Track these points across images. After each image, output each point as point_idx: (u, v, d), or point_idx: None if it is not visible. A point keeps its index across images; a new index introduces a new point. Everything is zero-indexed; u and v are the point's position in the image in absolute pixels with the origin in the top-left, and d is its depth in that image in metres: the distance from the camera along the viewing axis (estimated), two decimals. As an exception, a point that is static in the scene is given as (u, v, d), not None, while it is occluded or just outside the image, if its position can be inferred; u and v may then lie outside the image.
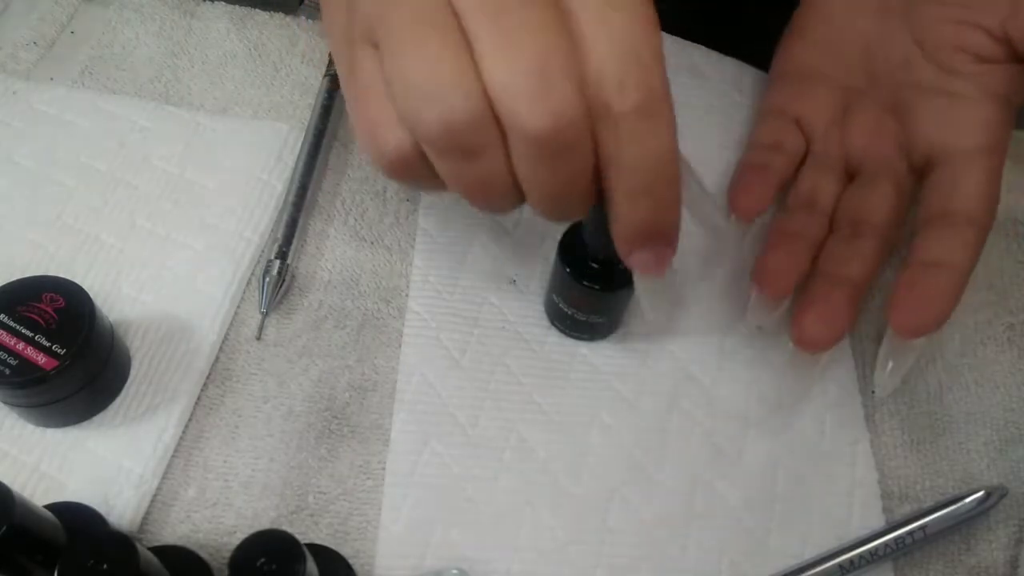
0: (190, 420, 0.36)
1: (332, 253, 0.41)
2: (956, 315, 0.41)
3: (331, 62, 0.46)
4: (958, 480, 0.37)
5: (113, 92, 0.45)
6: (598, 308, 0.37)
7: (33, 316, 0.32)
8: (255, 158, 0.43)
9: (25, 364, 0.31)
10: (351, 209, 0.43)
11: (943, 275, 0.36)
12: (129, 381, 0.36)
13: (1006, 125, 0.38)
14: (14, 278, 0.34)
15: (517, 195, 0.28)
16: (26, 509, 0.26)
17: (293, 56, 0.48)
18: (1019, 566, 0.35)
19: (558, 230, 0.36)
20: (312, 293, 0.40)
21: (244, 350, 0.38)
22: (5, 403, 0.34)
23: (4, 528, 0.25)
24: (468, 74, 0.24)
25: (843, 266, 0.38)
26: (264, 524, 0.34)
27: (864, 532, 0.35)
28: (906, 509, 0.37)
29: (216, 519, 0.34)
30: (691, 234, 0.35)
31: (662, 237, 0.28)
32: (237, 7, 0.49)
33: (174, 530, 0.33)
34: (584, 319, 0.37)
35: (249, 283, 0.40)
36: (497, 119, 0.25)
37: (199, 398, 0.37)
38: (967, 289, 0.42)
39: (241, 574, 0.26)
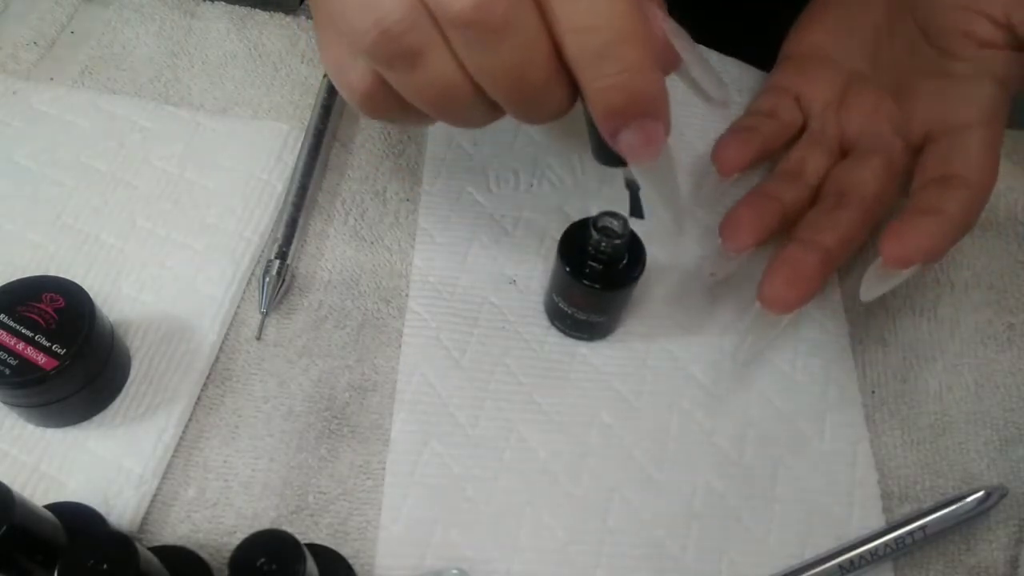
0: (190, 420, 0.36)
1: (332, 253, 0.41)
2: (956, 315, 0.42)
3: (331, 62, 0.46)
4: (958, 480, 0.37)
5: (113, 92, 0.45)
6: (598, 308, 0.37)
7: (33, 316, 0.32)
8: (255, 158, 0.43)
9: (25, 364, 0.31)
10: (351, 209, 0.43)
11: (937, 220, 0.36)
12: (129, 381, 0.36)
13: (1003, 104, 0.39)
14: (14, 278, 0.34)
15: (482, 99, 0.28)
16: (26, 509, 0.26)
17: (293, 56, 0.48)
18: (1019, 566, 0.35)
19: (558, 230, 0.36)
20: (312, 293, 0.40)
21: (244, 350, 0.38)
22: (5, 403, 0.34)
23: (4, 528, 0.25)
24: None
25: (819, 233, 0.38)
26: (264, 524, 0.34)
27: (864, 532, 0.35)
28: (906, 509, 0.37)
29: (216, 519, 0.34)
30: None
31: (641, 108, 0.27)
32: (237, 7, 0.49)
33: (174, 530, 0.33)
34: (584, 319, 0.37)
35: (249, 283, 0.40)
36: (430, 14, 0.26)
37: (199, 398, 0.36)
38: (967, 289, 0.42)
39: (241, 574, 0.26)
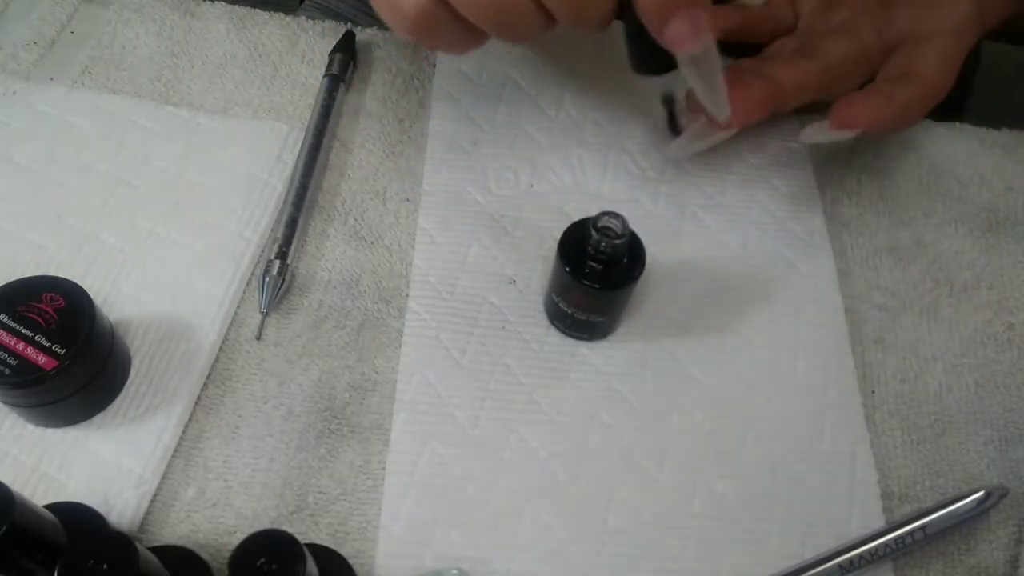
0: (190, 420, 0.36)
1: (332, 253, 0.41)
2: (956, 315, 0.42)
3: (331, 62, 0.46)
4: (958, 480, 0.37)
5: (113, 92, 0.45)
6: (598, 308, 0.37)
7: (33, 316, 0.32)
8: (255, 158, 0.43)
9: (25, 364, 0.31)
10: (351, 209, 0.43)
11: (885, 101, 0.40)
12: (129, 381, 0.36)
13: (973, 22, 0.42)
14: (14, 278, 0.34)
15: (537, 6, 0.31)
16: (26, 509, 0.26)
17: (293, 56, 0.48)
18: (1019, 566, 0.35)
19: (558, 230, 0.36)
20: (312, 293, 0.40)
21: (244, 350, 0.38)
22: (5, 403, 0.34)
23: (4, 528, 0.25)
24: None
25: (775, 69, 0.41)
26: (264, 524, 0.34)
27: (864, 532, 0.35)
28: (906, 509, 0.37)
29: (216, 519, 0.34)
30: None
31: None
32: (237, 7, 0.49)
33: (174, 530, 0.33)
34: (584, 319, 0.37)
35: (249, 283, 0.40)
36: None
37: (199, 398, 0.37)
38: (967, 289, 0.42)
39: (241, 574, 0.26)
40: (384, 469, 0.35)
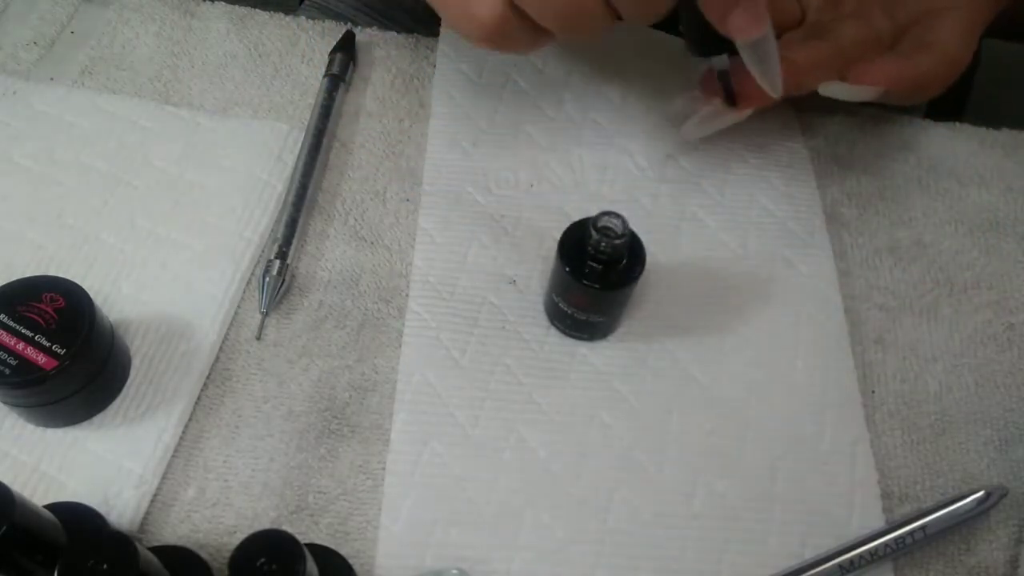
0: (190, 420, 0.36)
1: (332, 253, 0.41)
2: (956, 315, 0.42)
3: (331, 62, 0.46)
4: (958, 480, 0.37)
5: (113, 92, 0.45)
6: (598, 308, 0.37)
7: (33, 316, 0.32)
8: (255, 158, 0.43)
9: (25, 364, 0.31)
10: (351, 209, 0.43)
11: (901, 60, 0.41)
12: (129, 381, 0.36)
13: (988, 2, 0.42)
14: (14, 278, 0.34)
15: (607, 10, 0.32)
16: (26, 509, 0.26)
17: (293, 56, 0.48)
18: (1019, 566, 0.35)
19: (558, 230, 0.36)
20: (312, 293, 0.40)
21: (244, 350, 0.38)
22: (5, 403, 0.34)
23: (4, 528, 0.25)
24: None
25: (788, 50, 0.41)
26: (264, 524, 0.34)
27: (864, 532, 0.35)
28: (906, 509, 0.37)
29: (216, 519, 0.34)
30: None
31: None
32: (237, 7, 0.49)
33: (174, 530, 0.33)
34: (584, 319, 0.37)
35: (249, 283, 0.40)
36: None
37: (199, 398, 0.37)
38: (967, 289, 0.42)
39: (241, 574, 0.26)
40: (384, 469, 0.35)
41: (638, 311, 0.40)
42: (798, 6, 0.46)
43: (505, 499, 0.35)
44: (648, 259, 0.36)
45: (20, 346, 0.32)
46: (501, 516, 0.35)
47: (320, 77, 0.46)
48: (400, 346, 0.38)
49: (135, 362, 0.36)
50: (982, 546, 0.36)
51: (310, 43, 0.48)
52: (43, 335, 0.32)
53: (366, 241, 0.42)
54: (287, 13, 0.50)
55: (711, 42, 0.37)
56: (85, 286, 0.33)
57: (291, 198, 0.41)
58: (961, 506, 0.35)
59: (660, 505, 0.36)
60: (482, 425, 0.37)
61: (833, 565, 0.34)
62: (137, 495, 0.33)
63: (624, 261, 0.35)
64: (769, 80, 0.38)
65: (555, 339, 0.39)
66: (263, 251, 0.40)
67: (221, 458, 0.35)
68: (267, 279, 0.39)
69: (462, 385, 0.38)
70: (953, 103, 0.62)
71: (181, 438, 0.35)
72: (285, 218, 0.41)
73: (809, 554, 0.35)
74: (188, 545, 0.32)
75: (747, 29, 0.34)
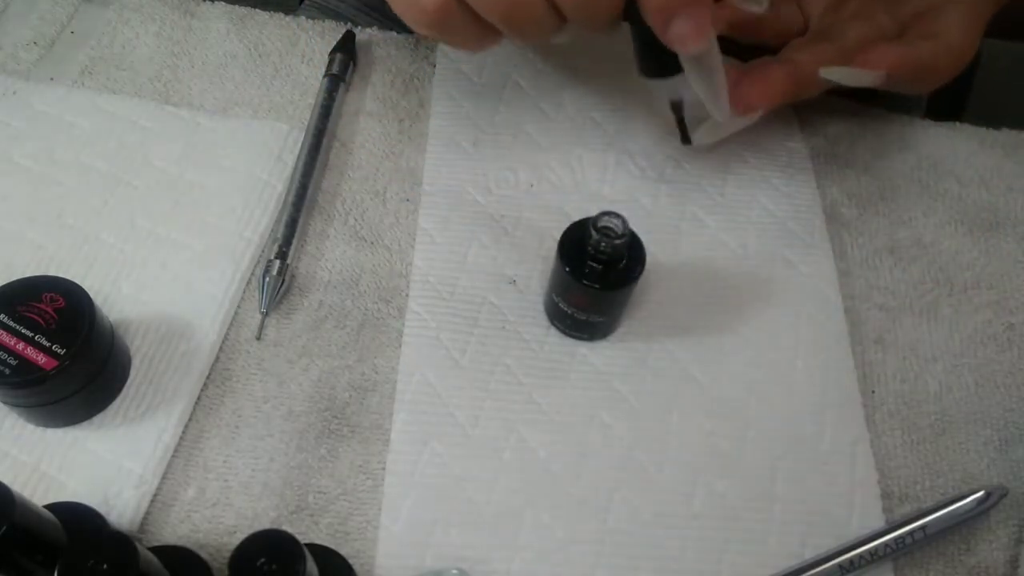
0: (190, 420, 0.36)
1: (332, 253, 0.41)
2: (956, 315, 0.42)
3: (331, 62, 0.46)
4: (958, 480, 0.37)
5: (113, 92, 0.45)
6: (598, 308, 0.37)
7: (33, 316, 0.32)
8: (255, 158, 0.43)
9: (25, 364, 0.31)
10: (351, 209, 0.43)
11: (905, 46, 0.41)
12: (129, 381, 0.36)
13: None
14: (14, 278, 0.34)
15: (549, 7, 0.32)
16: (26, 509, 0.26)
17: (293, 56, 0.48)
18: (1019, 566, 0.35)
19: (558, 230, 0.36)
20: (312, 293, 0.40)
21: (244, 350, 0.38)
22: (5, 403, 0.34)
23: (4, 528, 0.25)
24: None
25: (794, 53, 0.41)
26: (264, 524, 0.34)
27: (864, 532, 0.35)
28: (906, 509, 0.37)
29: (216, 519, 0.34)
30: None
31: None
32: (237, 7, 0.49)
33: (174, 530, 0.33)
34: (584, 319, 0.37)
35: (249, 283, 0.40)
36: None
37: (199, 398, 0.37)
38: (967, 289, 0.42)
39: (241, 574, 0.26)
40: (384, 469, 0.35)
41: (638, 311, 0.40)
42: (800, 15, 0.46)
43: (505, 499, 0.35)
44: (648, 259, 0.36)
45: (20, 346, 0.32)
46: (501, 516, 0.35)
47: (320, 77, 0.46)
48: (400, 346, 0.38)
49: (135, 362, 0.36)
50: (982, 546, 0.36)
51: (310, 43, 0.48)
52: (43, 335, 0.32)
53: (366, 241, 0.42)
54: (287, 13, 0.50)
55: (661, 60, 0.35)
56: (85, 286, 0.33)
57: (291, 198, 0.41)
58: (961, 506, 0.35)
59: (660, 505, 0.36)
60: (482, 425, 0.37)
61: (833, 565, 0.34)
62: (137, 495, 0.33)
63: (624, 261, 0.35)
64: (714, 101, 0.36)
65: (555, 339, 0.39)
66: (263, 251, 0.40)
67: (221, 458, 0.35)
68: (267, 279, 0.39)
69: (462, 385, 0.38)
70: (953, 103, 0.63)
71: (181, 438, 0.35)
72: (285, 218, 0.41)
73: (809, 554, 0.35)
74: (188, 545, 0.32)
75: (689, 40, 0.32)
